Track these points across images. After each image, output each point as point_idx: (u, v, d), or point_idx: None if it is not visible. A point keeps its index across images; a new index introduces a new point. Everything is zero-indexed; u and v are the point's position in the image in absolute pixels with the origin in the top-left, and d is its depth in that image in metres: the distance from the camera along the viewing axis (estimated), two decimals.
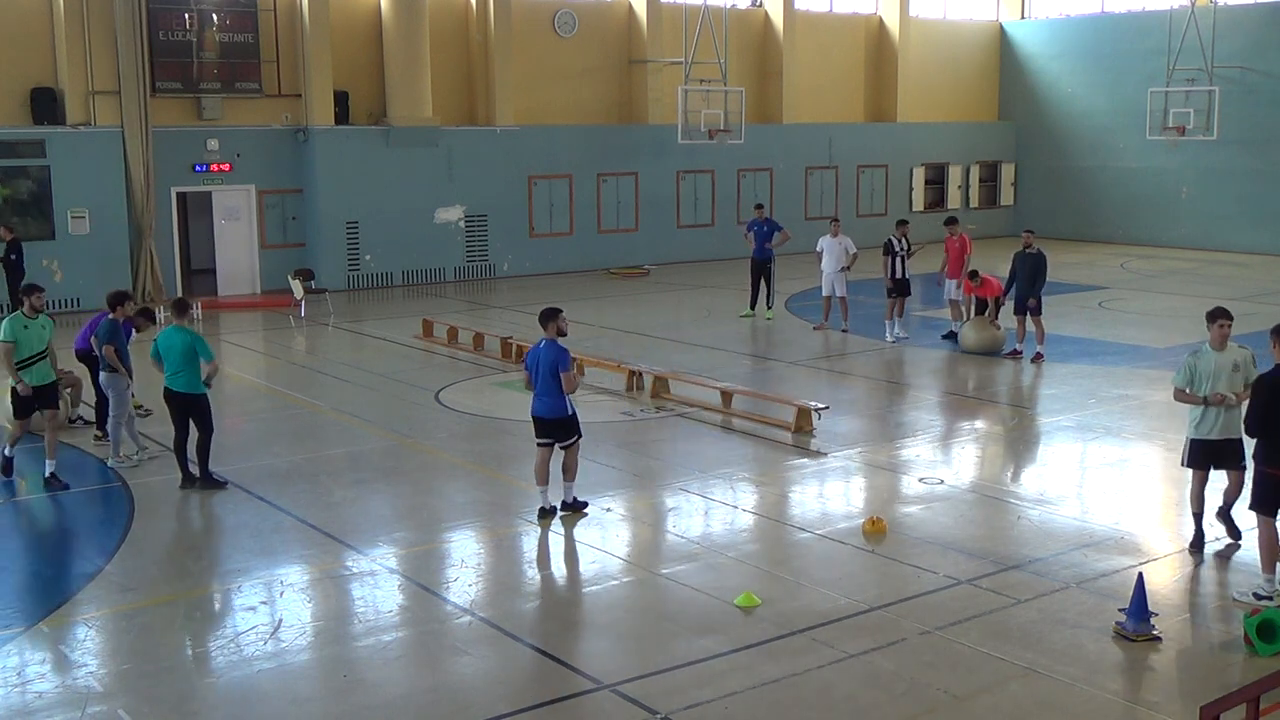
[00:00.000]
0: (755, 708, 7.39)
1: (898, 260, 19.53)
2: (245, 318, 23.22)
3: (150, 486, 11.90)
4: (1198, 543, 9.99)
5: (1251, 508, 8.98)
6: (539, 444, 10.93)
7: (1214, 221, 32.93)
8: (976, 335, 18.34)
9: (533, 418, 10.93)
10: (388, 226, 26.52)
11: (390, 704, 7.53)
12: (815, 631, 8.45)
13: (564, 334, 10.81)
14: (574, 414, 10.89)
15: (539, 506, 10.93)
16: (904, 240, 19.67)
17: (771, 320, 21.63)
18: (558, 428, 10.81)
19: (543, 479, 10.90)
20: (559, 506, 10.99)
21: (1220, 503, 10.12)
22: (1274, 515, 8.82)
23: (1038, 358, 17.62)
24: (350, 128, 26.25)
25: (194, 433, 11.83)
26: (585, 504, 11.10)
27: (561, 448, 10.87)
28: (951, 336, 19.29)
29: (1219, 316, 9.81)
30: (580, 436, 11.01)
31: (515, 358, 17.99)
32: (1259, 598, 8.78)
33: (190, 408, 11.75)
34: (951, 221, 19.96)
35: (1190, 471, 10.11)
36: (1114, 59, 34.47)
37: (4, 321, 12.19)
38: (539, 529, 10.76)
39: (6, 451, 12.27)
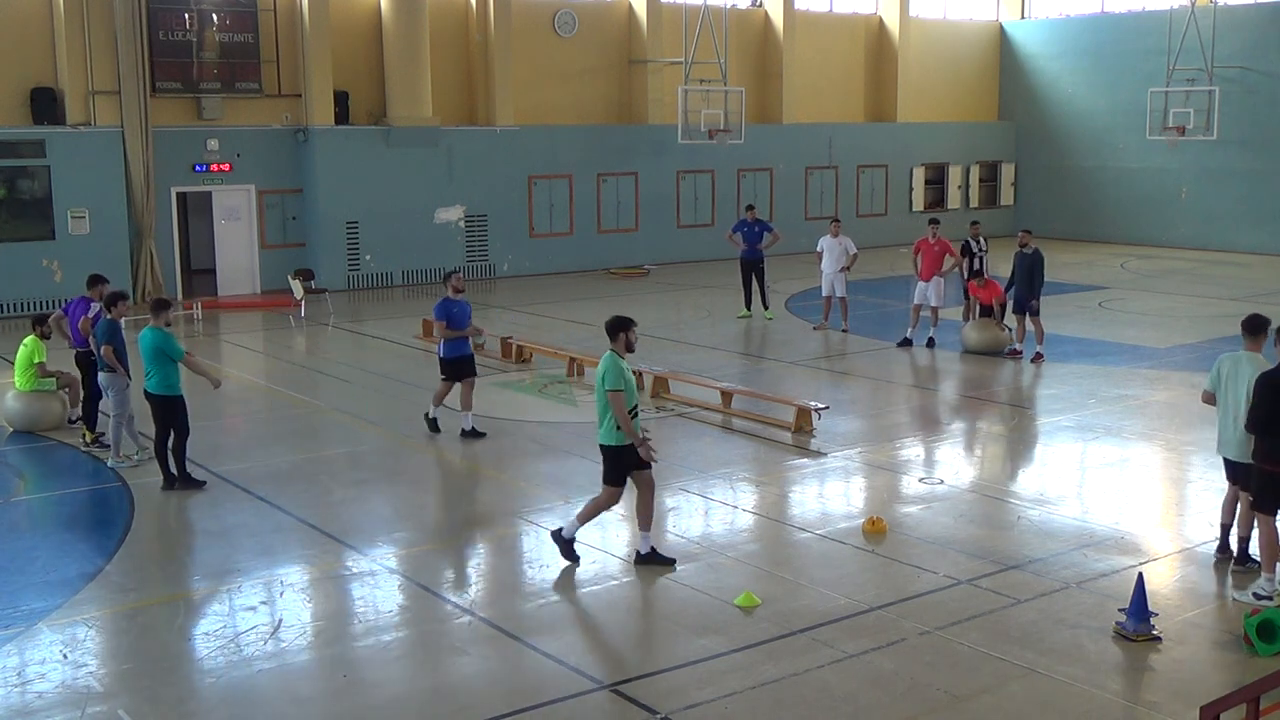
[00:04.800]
0: (755, 708, 7.39)
1: (975, 260, 19.24)
2: (245, 318, 23.21)
3: (150, 486, 11.89)
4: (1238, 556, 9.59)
5: (1252, 507, 8.97)
6: (446, 380, 13.69)
7: (1214, 221, 32.92)
8: (977, 335, 18.34)
9: (456, 360, 13.56)
10: (387, 226, 26.51)
11: (390, 704, 7.53)
12: (815, 631, 8.45)
13: (461, 291, 13.58)
14: None
15: (429, 416, 13.80)
16: (979, 240, 19.42)
17: (771, 320, 21.62)
18: (471, 364, 13.73)
19: (441, 401, 13.85)
20: (462, 431, 13.64)
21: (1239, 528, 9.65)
22: (1274, 514, 8.82)
23: (1037, 358, 17.62)
24: (350, 128, 26.25)
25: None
26: (484, 434, 13.66)
27: (465, 381, 13.61)
28: (906, 343, 18.94)
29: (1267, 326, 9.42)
30: None
31: (515, 358, 18.03)
32: (1259, 598, 8.77)
33: (161, 409, 11.76)
34: (933, 222, 19.53)
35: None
36: (1114, 59, 34.46)
37: (606, 362, 9.40)
38: (434, 434, 13.76)
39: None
